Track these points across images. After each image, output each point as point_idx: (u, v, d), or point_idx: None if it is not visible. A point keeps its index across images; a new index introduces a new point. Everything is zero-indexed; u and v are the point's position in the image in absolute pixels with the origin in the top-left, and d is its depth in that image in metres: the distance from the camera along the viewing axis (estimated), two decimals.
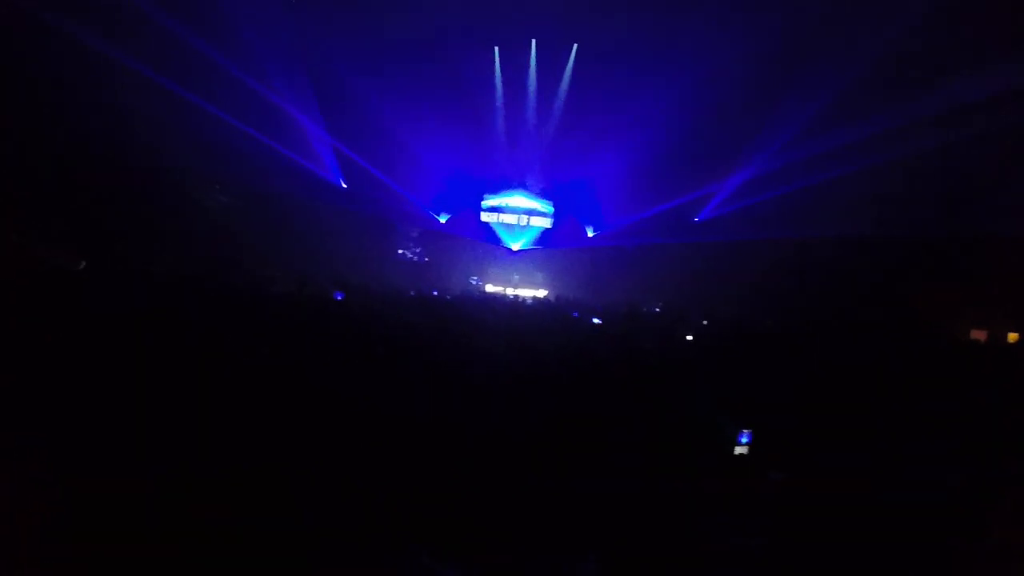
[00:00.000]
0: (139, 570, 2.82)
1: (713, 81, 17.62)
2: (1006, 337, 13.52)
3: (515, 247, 23.14)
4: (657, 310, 16.44)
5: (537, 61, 21.12)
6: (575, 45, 20.56)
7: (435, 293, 15.75)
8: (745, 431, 4.33)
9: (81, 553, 2.85)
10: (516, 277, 22.61)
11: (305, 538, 3.17)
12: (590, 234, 23.02)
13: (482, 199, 23.34)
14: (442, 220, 22.59)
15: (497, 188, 23.18)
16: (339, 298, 10.40)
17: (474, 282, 21.89)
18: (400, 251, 22.51)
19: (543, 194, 23.37)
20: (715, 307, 16.00)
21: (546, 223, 23.33)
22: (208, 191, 17.71)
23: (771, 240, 18.12)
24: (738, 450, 4.32)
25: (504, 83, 21.41)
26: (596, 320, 11.70)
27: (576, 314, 12.68)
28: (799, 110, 17.06)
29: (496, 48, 20.84)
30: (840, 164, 16.24)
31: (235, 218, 17.48)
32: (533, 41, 20.77)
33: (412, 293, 15.04)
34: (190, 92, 15.33)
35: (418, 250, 22.69)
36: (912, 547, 3.62)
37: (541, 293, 20.99)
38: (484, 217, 23.27)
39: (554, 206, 23.48)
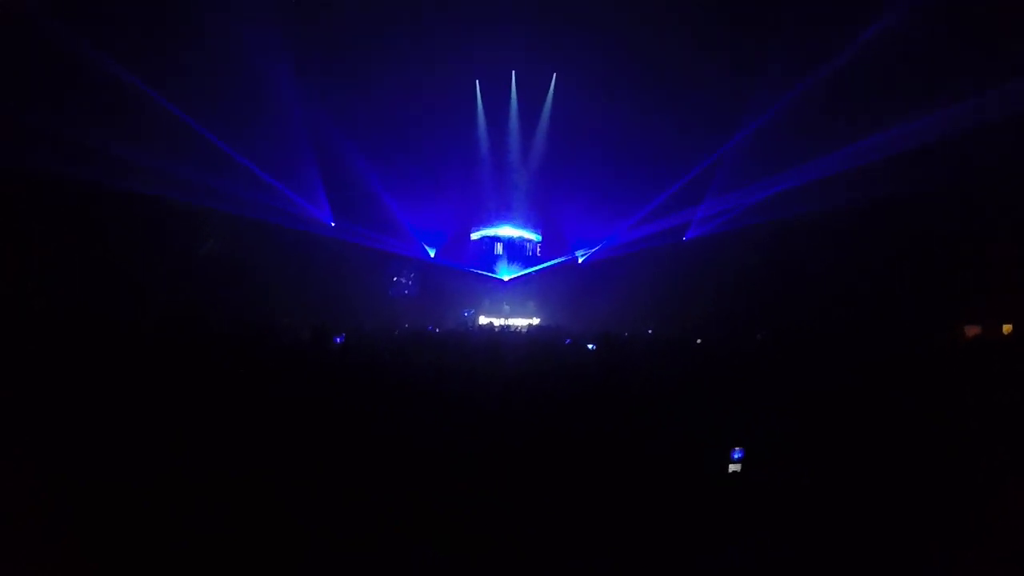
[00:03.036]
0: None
1: (689, 100, 18.13)
2: (1001, 330, 13.11)
3: (506, 277, 23.22)
4: (650, 331, 16.49)
5: (518, 92, 21.57)
6: (554, 75, 21.05)
7: (431, 328, 15.73)
8: (737, 448, 4.26)
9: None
10: (507, 307, 22.63)
11: (317, 538, 3.31)
12: (580, 259, 23.16)
13: (471, 231, 23.55)
14: (431, 254, 22.69)
15: (485, 220, 23.42)
16: (339, 341, 10.31)
17: (466, 314, 21.86)
18: (392, 286, 22.51)
19: (531, 224, 23.62)
20: (705, 322, 16.04)
21: (535, 252, 23.58)
22: (196, 233, 17.27)
23: (757, 249, 18.32)
24: (732, 468, 4.26)
25: (487, 115, 21.81)
26: (590, 346, 11.69)
27: (568, 340, 12.68)
28: (777, 127, 17.41)
29: (477, 81, 21.28)
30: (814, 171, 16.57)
31: (223, 262, 17.24)
32: (513, 72, 21.27)
33: (406, 325, 15.05)
34: (171, 123, 14.97)
35: (410, 285, 22.70)
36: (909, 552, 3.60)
37: (534, 321, 21.00)
38: (473, 249, 23.46)
39: (542, 234, 23.73)
